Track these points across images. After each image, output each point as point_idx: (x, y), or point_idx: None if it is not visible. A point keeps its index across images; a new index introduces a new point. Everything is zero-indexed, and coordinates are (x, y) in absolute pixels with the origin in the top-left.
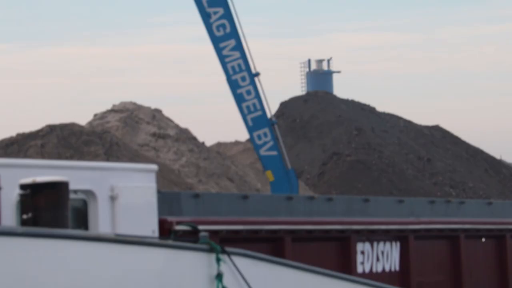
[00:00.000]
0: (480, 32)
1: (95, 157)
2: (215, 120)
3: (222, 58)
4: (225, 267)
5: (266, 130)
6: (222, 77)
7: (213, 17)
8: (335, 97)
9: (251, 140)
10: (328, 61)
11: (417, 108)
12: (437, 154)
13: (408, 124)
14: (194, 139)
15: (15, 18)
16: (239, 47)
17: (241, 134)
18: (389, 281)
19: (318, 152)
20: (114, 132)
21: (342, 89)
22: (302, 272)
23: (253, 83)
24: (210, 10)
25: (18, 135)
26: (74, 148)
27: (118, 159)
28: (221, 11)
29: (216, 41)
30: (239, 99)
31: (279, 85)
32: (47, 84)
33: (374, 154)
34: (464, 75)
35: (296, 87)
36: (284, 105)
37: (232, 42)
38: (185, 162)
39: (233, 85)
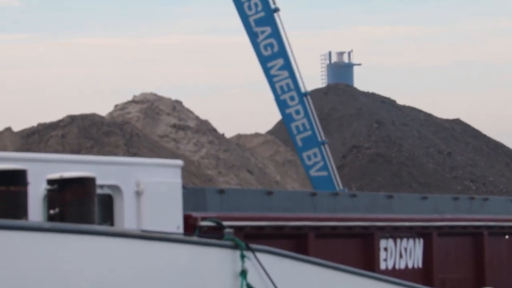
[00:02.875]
0: (502, 25)
1: (115, 148)
2: (235, 112)
3: (270, 78)
4: (250, 264)
5: (316, 150)
6: (244, 69)
7: (261, 37)
8: (355, 90)
9: (301, 160)
10: (349, 53)
11: (438, 101)
12: (457, 148)
13: (429, 117)
14: (214, 130)
15: (37, 8)
16: (287, 66)
17: (261, 126)
18: (412, 278)
19: (338, 145)
20: (135, 123)
21: (362, 81)
22: (326, 269)
23: (302, 102)
24: (258, 29)
25: (39, 125)
26: (95, 138)
27: (138, 150)
28: (268, 30)
29: (264, 61)
30: (288, 119)
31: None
32: (68, 74)
33: (394, 147)
34: (485, 68)
35: (317, 80)
36: None
37: (280, 61)
38: (205, 154)
39: (282, 105)
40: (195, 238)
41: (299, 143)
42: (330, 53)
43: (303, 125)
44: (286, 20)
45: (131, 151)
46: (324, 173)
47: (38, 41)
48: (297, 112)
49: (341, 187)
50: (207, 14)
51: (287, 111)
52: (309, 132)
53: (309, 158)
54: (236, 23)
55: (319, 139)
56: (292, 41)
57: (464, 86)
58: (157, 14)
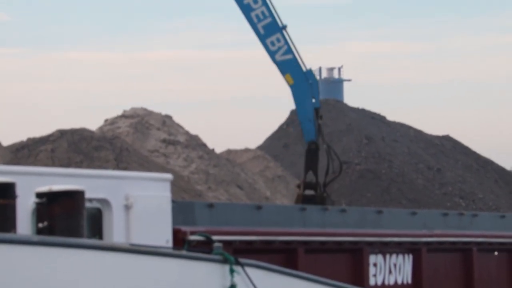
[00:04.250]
0: (492, 42)
1: (105, 162)
2: (225, 127)
3: None
4: (239, 279)
5: (279, 35)
6: (234, 84)
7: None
8: (345, 106)
9: (265, 48)
10: (339, 69)
11: (428, 117)
12: (447, 164)
13: (418, 133)
14: (204, 145)
15: (26, 23)
16: None
17: (251, 141)
18: None
19: None
20: (124, 138)
21: (352, 97)
22: (315, 284)
23: None
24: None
25: (29, 139)
26: (84, 153)
27: (128, 165)
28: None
29: None
30: (246, 10)
31: (290, 93)
32: (58, 89)
33: (384, 163)
34: (475, 85)
35: None
36: (294, 113)
37: None
38: (195, 169)
39: None
40: (184, 253)
41: (261, 31)
42: (320, 68)
43: (262, 12)
44: None
45: (121, 166)
46: (289, 56)
47: (27, 56)
48: (255, 1)
49: (306, 68)
50: (196, 29)
51: (245, 1)
52: (270, 19)
53: (272, 44)
54: (227, 38)
55: (280, 24)
56: None
57: (454, 102)
58: (147, 29)
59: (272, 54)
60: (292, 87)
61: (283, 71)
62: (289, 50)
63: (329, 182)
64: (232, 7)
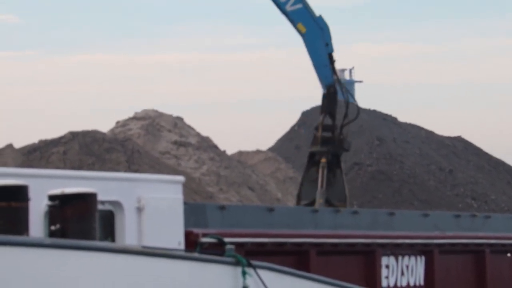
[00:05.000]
0: (502, 43)
1: (116, 164)
2: (237, 129)
3: None
4: (251, 281)
5: None
6: (245, 86)
7: None
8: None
9: (274, 1)
10: (350, 70)
11: (439, 118)
12: (459, 165)
13: (430, 134)
14: (215, 147)
15: (37, 25)
16: None
17: (262, 143)
18: None
19: None
20: (136, 140)
21: (364, 98)
22: (327, 286)
23: None
24: None
25: (41, 141)
26: (96, 155)
27: (139, 166)
28: None
29: None
30: None
31: (301, 94)
32: (69, 91)
33: (396, 164)
34: (488, 86)
35: (318, 96)
36: (305, 114)
37: None
38: (206, 171)
39: None
40: (196, 255)
41: None
42: None
43: None
44: (287, 38)
45: (132, 168)
46: (299, 5)
47: (38, 58)
48: None
49: (317, 15)
50: (208, 32)
51: None
52: None
53: None
54: (239, 40)
55: None
56: (292, 58)
57: (466, 103)
58: (157, 32)
59: (282, 5)
60: (305, 35)
61: (294, 21)
62: (298, 0)
63: (346, 124)
64: (243, 10)
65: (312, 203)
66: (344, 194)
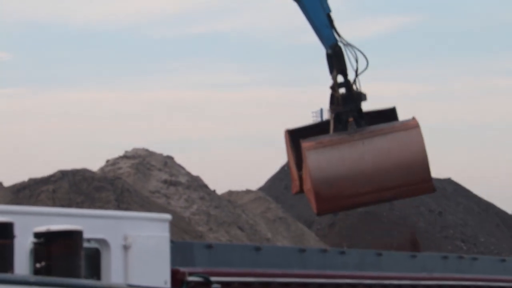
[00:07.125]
0: (492, 84)
1: (106, 203)
2: (227, 168)
3: None
4: None
5: None
6: (236, 124)
7: None
8: None
9: None
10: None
11: (429, 160)
12: (448, 208)
13: None
14: (205, 186)
15: (25, 62)
16: None
17: (252, 182)
18: None
19: None
20: (126, 179)
21: None
22: None
23: None
24: None
25: (30, 180)
26: (86, 194)
27: (129, 205)
28: None
29: None
30: None
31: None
32: (59, 129)
33: (385, 206)
34: (477, 128)
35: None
36: None
37: None
38: (196, 210)
39: None
40: None
41: None
42: (321, 110)
43: None
44: (277, 76)
45: (122, 207)
46: None
47: (27, 95)
48: None
49: None
50: (197, 69)
51: None
52: None
53: None
54: (227, 78)
55: None
56: (282, 96)
57: (455, 145)
58: (147, 70)
59: None
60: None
61: None
62: None
63: (359, 75)
64: (232, 47)
65: None
66: None
